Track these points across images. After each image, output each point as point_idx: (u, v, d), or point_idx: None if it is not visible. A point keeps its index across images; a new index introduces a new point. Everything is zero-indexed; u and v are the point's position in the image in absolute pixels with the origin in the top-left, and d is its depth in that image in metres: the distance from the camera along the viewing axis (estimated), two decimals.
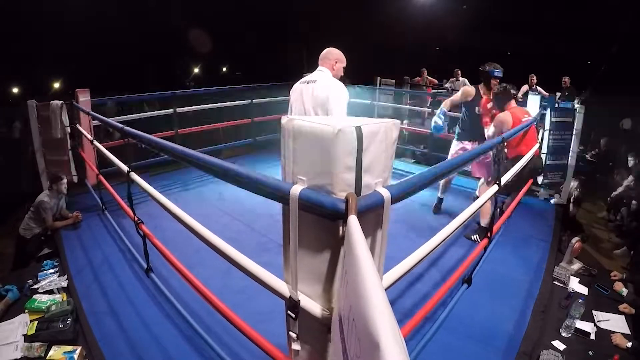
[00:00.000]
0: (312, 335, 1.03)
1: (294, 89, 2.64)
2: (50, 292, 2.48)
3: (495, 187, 2.09)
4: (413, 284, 2.62)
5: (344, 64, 2.64)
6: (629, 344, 2.11)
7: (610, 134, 6.88)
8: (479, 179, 3.59)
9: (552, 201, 4.18)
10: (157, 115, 4.89)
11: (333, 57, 2.59)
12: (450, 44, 12.05)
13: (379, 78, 7.56)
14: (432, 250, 1.37)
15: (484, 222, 3.20)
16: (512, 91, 3.20)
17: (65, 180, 3.44)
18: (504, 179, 2.18)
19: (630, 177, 5.02)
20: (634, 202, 4.66)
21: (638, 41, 7.31)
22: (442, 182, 3.67)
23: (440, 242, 1.45)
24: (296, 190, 0.93)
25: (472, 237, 3.29)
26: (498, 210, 2.95)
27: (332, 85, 2.47)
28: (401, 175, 1.78)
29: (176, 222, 1.68)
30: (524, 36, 10.78)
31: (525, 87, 7.31)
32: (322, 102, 2.45)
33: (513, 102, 3.17)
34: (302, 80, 2.62)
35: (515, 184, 3.02)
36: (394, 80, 7.81)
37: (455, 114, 3.84)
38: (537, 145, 3.48)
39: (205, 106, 5.23)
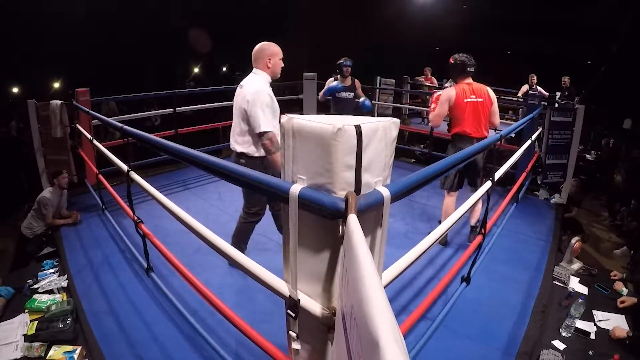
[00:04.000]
0: (312, 334, 1.03)
1: (236, 94, 2.36)
2: (50, 292, 2.48)
3: (488, 183, 2.09)
4: (411, 281, 2.63)
5: (281, 56, 2.29)
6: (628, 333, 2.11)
7: (610, 133, 6.89)
8: None
9: (552, 201, 4.17)
10: (156, 114, 4.89)
11: (265, 55, 2.24)
12: (450, 44, 12.03)
13: (379, 78, 7.57)
14: (429, 247, 1.37)
15: (473, 221, 3.13)
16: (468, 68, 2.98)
17: (65, 174, 3.45)
18: (497, 175, 2.18)
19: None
20: (633, 201, 4.66)
21: (638, 41, 7.31)
22: None
23: (437, 239, 1.44)
24: (296, 189, 0.93)
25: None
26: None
27: (253, 93, 2.19)
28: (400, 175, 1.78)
29: (176, 221, 1.68)
30: (523, 36, 10.76)
31: (525, 87, 7.31)
32: (242, 112, 2.24)
33: (467, 79, 2.96)
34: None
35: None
36: (394, 80, 7.82)
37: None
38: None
39: (205, 106, 5.22)
